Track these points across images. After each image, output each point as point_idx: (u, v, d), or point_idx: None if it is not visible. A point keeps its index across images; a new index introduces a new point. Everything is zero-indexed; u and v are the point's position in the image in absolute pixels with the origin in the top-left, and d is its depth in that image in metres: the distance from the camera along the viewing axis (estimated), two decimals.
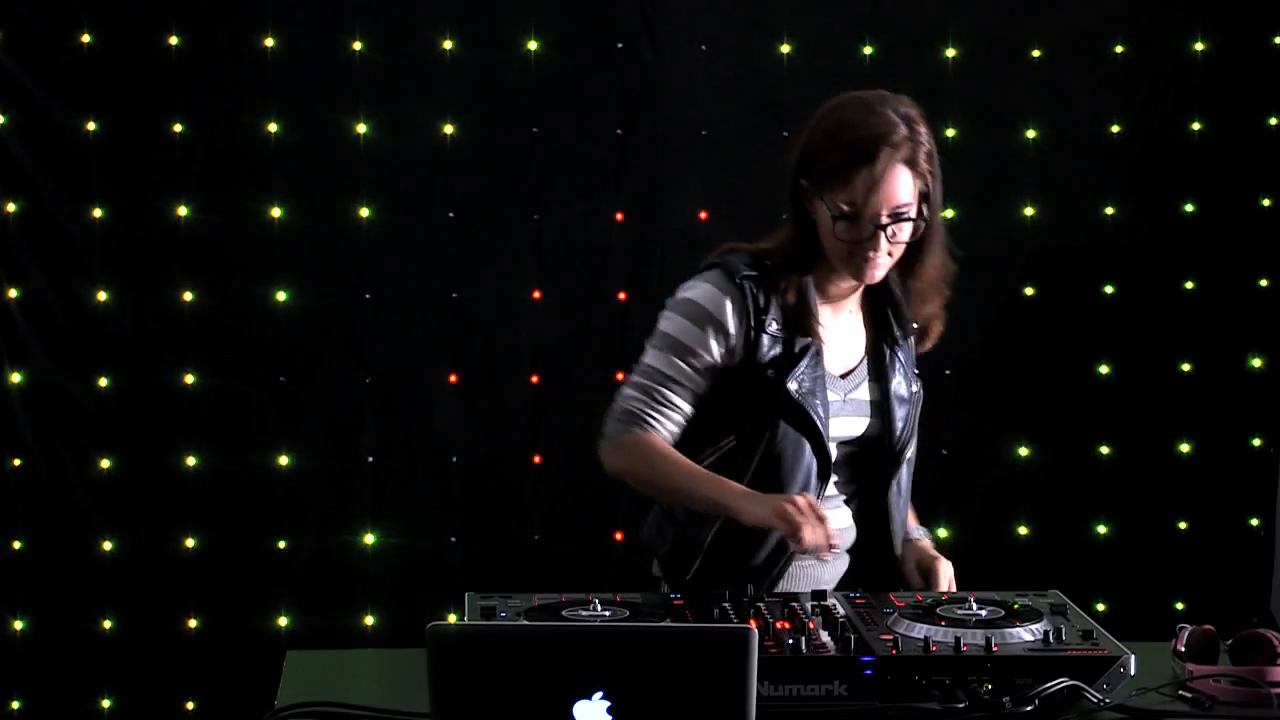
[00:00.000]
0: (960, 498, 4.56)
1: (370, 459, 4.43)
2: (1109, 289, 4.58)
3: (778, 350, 2.87)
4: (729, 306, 2.86)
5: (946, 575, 2.91)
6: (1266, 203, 4.58)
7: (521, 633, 2.07)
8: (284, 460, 4.41)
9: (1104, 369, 4.58)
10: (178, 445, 4.38)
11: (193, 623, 4.41)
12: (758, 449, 2.87)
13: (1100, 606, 4.47)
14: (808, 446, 2.86)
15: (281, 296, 4.37)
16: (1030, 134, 4.50)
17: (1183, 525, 4.62)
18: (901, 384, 2.96)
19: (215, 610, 4.42)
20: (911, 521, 3.04)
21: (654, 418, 2.90)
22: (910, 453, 2.99)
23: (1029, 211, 4.51)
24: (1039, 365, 4.58)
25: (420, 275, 4.42)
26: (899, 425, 2.94)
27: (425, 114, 4.38)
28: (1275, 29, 4.52)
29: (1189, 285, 4.57)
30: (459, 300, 4.42)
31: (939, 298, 2.95)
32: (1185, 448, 4.60)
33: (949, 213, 4.43)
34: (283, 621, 4.41)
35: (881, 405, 2.94)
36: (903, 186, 2.77)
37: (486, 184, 4.42)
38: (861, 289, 2.93)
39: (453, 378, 4.43)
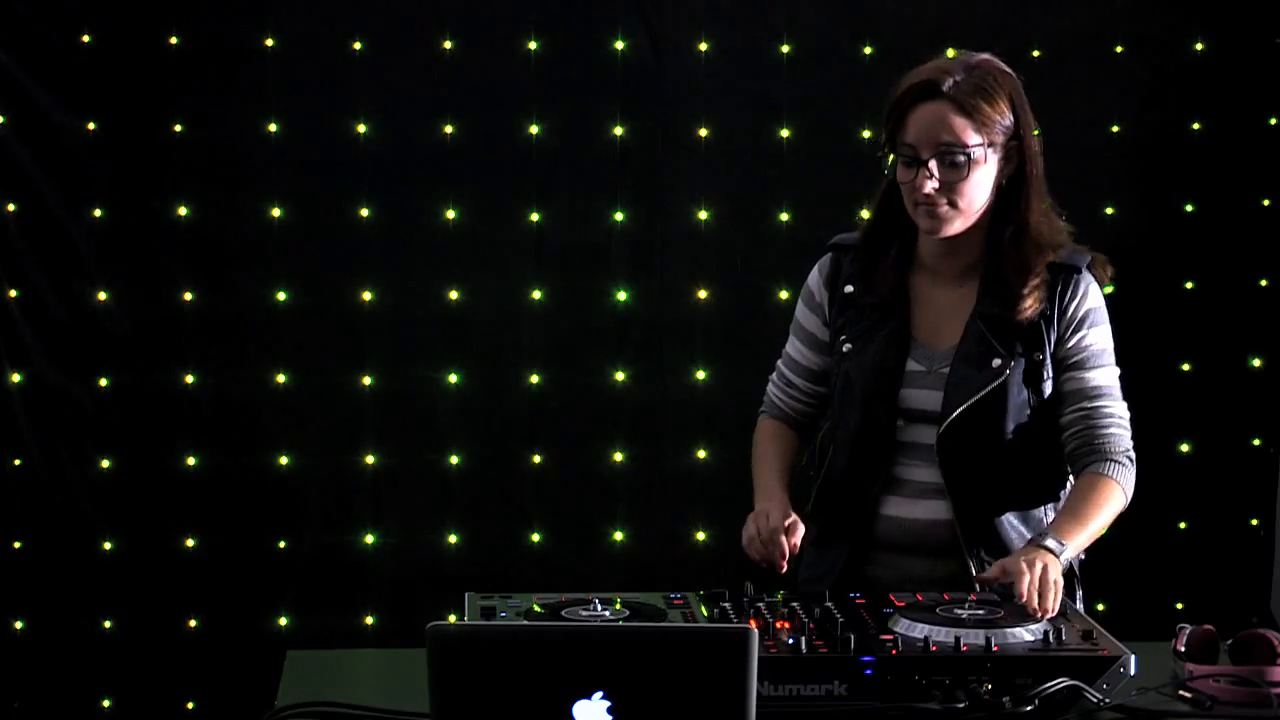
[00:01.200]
0: None
1: (370, 459, 4.43)
2: (1109, 289, 4.57)
3: (850, 316, 2.92)
4: (818, 274, 2.99)
5: (1030, 578, 2.59)
6: (1267, 203, 4.58)
7: (521, 633, 2.07)
8: (284, 460, 4.41)
9: None
10: (178, 445, 4.38)
11: (193, 623, 4.41)
12: (835, 427, 2.94)
13: (1100, 606, 4.47)
14: (869, 419, 2.86)
15: (281, 296, 4.37)
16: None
17: (1183, 525, 4.62)
18: (979, 358, 2.85)
19: (215, 610, 4.42)
20: (1055, 530, 2.76)
21: (780, 399, 3.04)
22: (1002, 432, 2.84)
23: None
24: None
25: (420, 275, 4.42)
26: (951, 398, 2.83)
27: (425, 114, 4.38)
28: (1275, 29, 4.53)
29: (1189, 285, 4.57)
30: (459, 300, 4.42)
31: (1039, 258, 2.88)
32: (1185, 448, 4.60)
33: None
34: (283, 621, 4.41)
35: (951, 378, 2.85)
36: (948, 125, 2.79)
37: (486, 184, 4.42)
38: (971, 260, 2.89)
39: (453, 378, 4.43)
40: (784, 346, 3.05)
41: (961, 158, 2.80)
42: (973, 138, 2.80)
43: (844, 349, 2.91)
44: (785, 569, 2.78)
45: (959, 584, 2.77)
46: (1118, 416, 2.93)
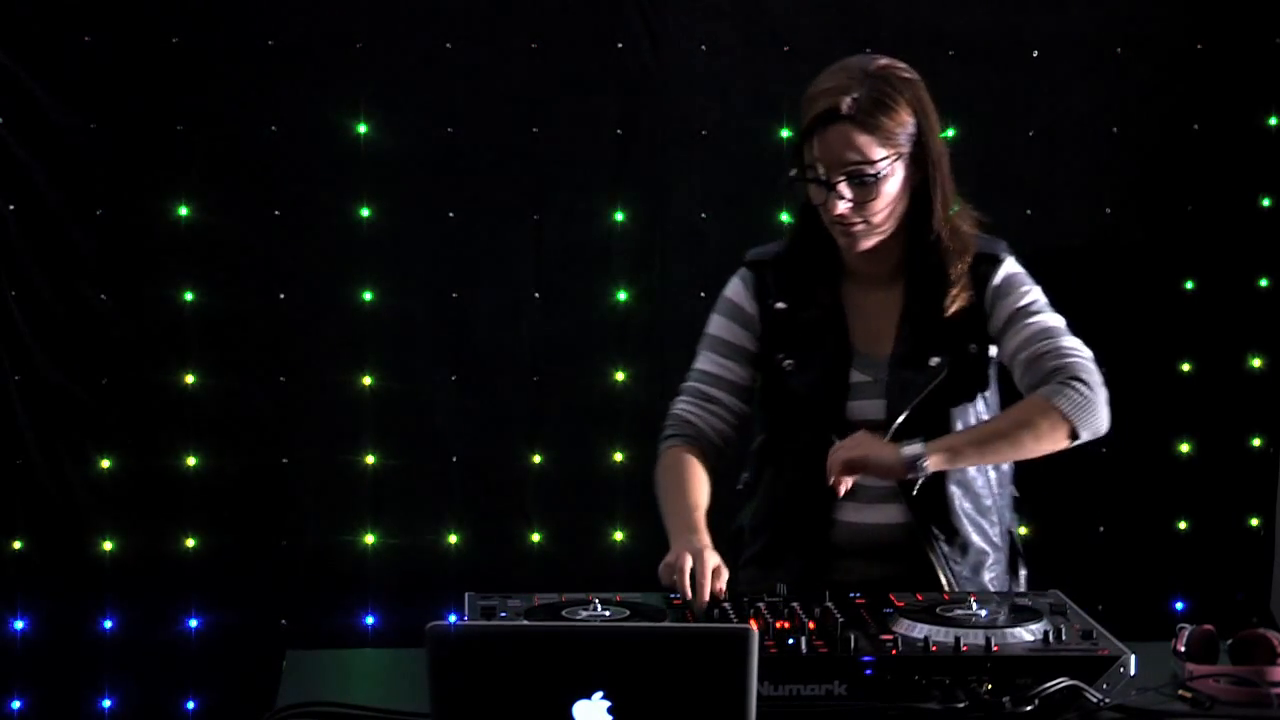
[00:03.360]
0: None
1: (370, 459, 4.43)
2: (1109, 289, 4.58)
3: (786, 330, 2.90)
4: (743, 289, 2.96)
5: (848, 443, 2.75)
6: (1266, 202, 4.58)
7: (521, 633, 2.07)
8: (284, 460, 4.41)
9: (1104, 369, 4.57)
10: (178, 445, 4.38)
11: (193, 623, 4.41)
12: (773, 442, 2.92)
13: (1100, 606, 4.47)
14: (816, 431, 2.85)
15: (281, 296, 4.37)
16: (1030, 134, 4.50)
17: (1183, 525, 4.63)
18: (917, 361, 2.87)
19: (215, 610, 4.42)
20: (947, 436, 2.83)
21: (697, 417, 2.95)
22: (953, 426, 2.86)
23: (1030, 211, 4.51)
24: None
25: (420, 275, 4.42)
26: (895, 402, 2.85)
27: (425, 114, 4.38)
28: (1275, 29, 4.53)
29: (1189, 285, 4.57)
30: (459, 300, 4.42)
31: (957, 254, 2.88)
32: (1185, 448, 4.60)
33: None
34: (283, 621, 4.41)
35: (889, 383, 2.88)
36: (853, 146, 2.79)
37: (486, 184, 4.42)
38: (894, 266, 2.90)
39: (453, 378, 4.43)
40: (696, 366, 2.97)
41: (870, 176, 2.80)
42: (878, 153, 2.80)
43: (785, 366, 2.89)
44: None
45: (920, 584, 2.80)
46: (1071, 348, 2.85)
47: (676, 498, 2.87)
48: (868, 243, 2.85)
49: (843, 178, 2.80)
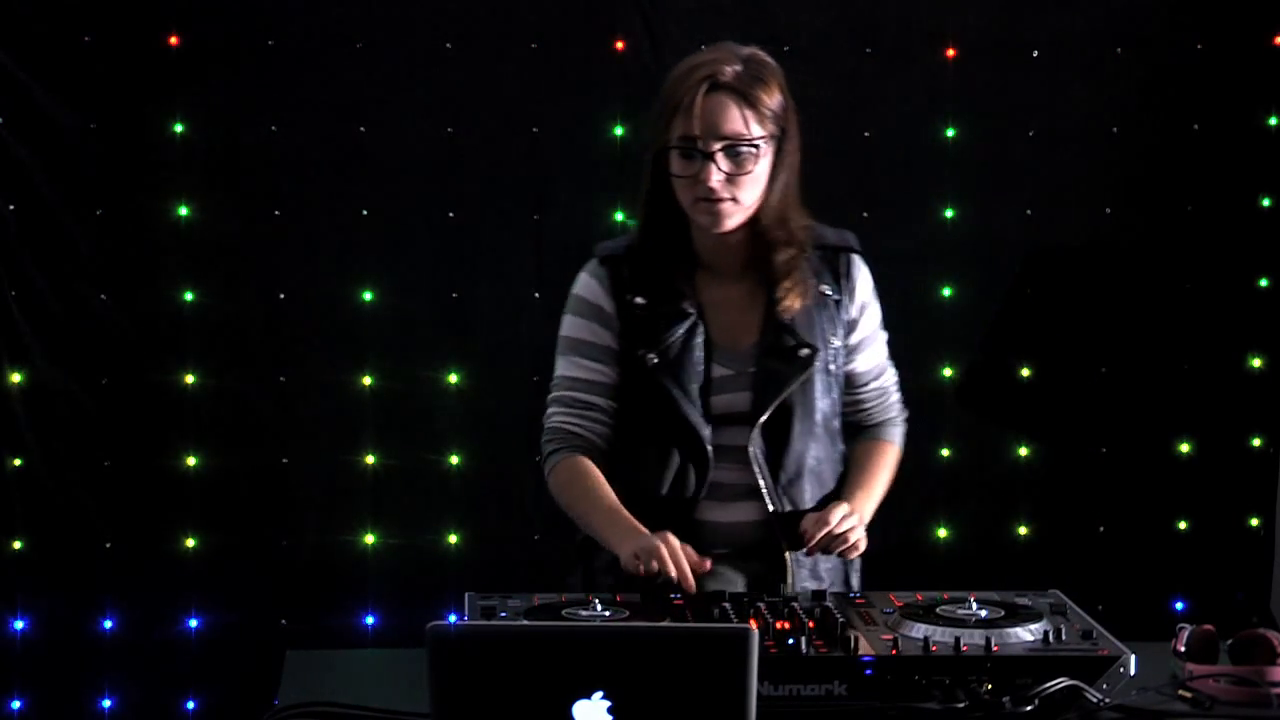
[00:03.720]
0: (960, 498, 4.56)
1: (370, 459, 4.43)
2: (1109, 289, 4.58)
3: (646, 325, 2.85)
4: (597, 286, 2.89)
5: (828, 519, 2.77)
6: (1266, 203, 4.58)
7: (521, 633, 2.07)
8: (284, 460, 4.41)
9: (1104, 369, 4.58)
10: (178, 445, 4.38)
11: (193, 623, 4.41)
12: (640, 437, 2.86)
13: (1100, 606, 4.47)
14: (680, 426, 2.82)
15: (281, 296, 4.37)
16: (1030, 134, 4.50)
17: (1183, 525, 4.62)
18: (782, 352, 2.88)
19: (215, 610, 4.42)
20: (853, 491, 2.90)
21: (578, 425, 2.91)
22: (810, 422, 2.89)
23: (1030, 211, 4.51)
24: (1039, 365, 4.58)
25: (420, 275, 4.42)
26: (762, 394, 2.86)
27: (425, 114, 4.37)
28: (1275, 29, 4.52)
29: (1188, 285, 4.57)
30: (459, 300, 4.42)
31: (788, 249, 2.88)
32: (1185, 448, 4.60)
33: (948, 213, 4.49)
34: (283, 621, 4.41)
35: (754, 375, 2.88)
36: (734, 116, 2.78)
37: (486, 184, 4.41)
38: (745, 257, 2.88)
39: (453, 378, 4.43)
40: (561, 373, 2.95)
41: (746, 150, 2.79)
42: (755, 129, 2.80)
43: (652, 362, 2.84)
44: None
45: (772, 584, 2.82)
46: (895, 381, 3.06)
47: (598, 502, 2.84)
48: (730, 223, 2.82)
49: (720, 148, 2.77)
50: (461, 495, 4.45)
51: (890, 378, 3.06)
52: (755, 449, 2.87)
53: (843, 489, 2.94)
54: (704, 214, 2.81)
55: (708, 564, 2.73)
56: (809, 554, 2.79)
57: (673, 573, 2.64)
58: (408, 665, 2.57)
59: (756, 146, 2.79)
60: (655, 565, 2.65)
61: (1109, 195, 4.54)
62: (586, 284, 2.92)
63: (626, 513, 2.81)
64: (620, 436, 2.93)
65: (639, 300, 2.86)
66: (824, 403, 2.91)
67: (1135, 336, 4.58)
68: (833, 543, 2.77)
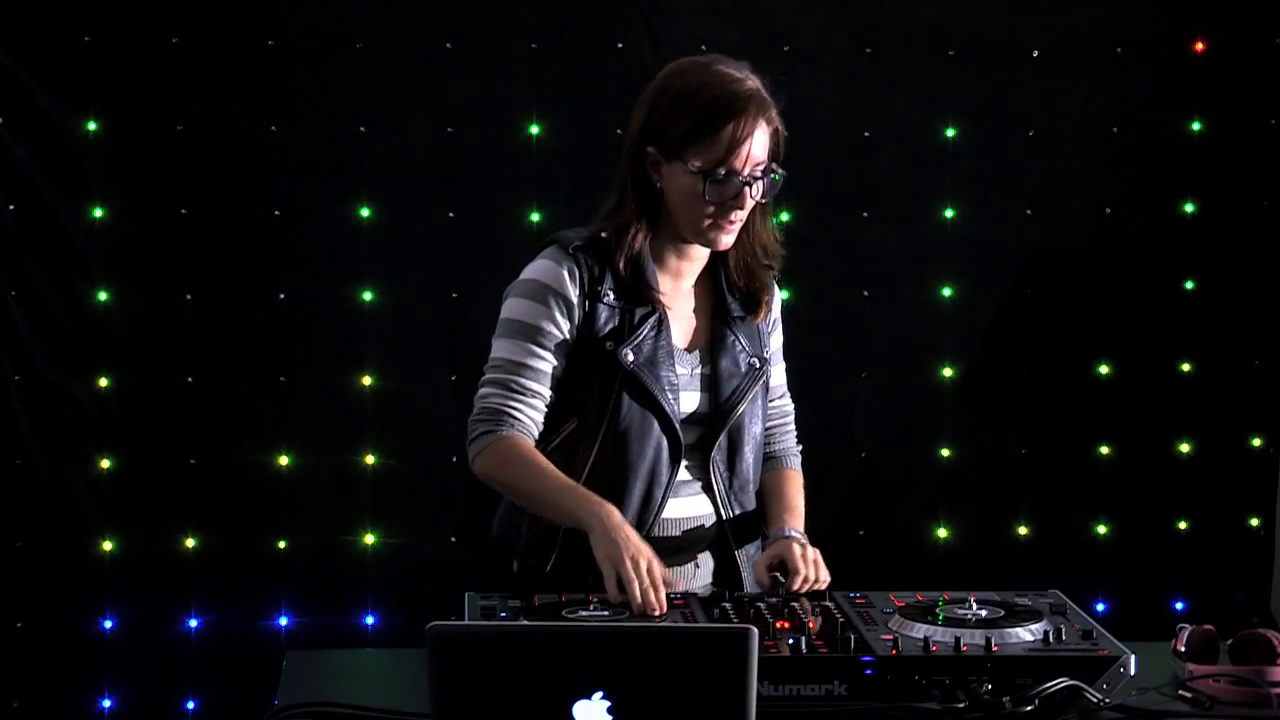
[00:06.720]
0: (960, 498, 4.56)
1: (370, 459, 4.43)
2: (1109, 289, 4.58)
3: (615, 321, 2.82)
4: (566, 277, 2.82)
5: (807, 558, 2.75)
6: (1267, 203, 4.58)
7: (521, 633, 2.07)
8: (284, 460, 4.41)
9: (1104, 369, 4.58)
10: (178, 445, 4.38)
11: (193, 623, 4.41)
12: (600, 431, 2.81)
13: (1100, 606, 4.47)
14: (655, 423, 2.81)
15: (281, 296, 4.37)
16: (1030, 134, 4.50)
17: (1183, 525, 4.63)
18: (737, 360, 2.88)
19: (215, 610, 4.42)
20: (791, 520, 2.92)
21: (516, 409, 2.83)
22: (753, 431, 2.90)
23: (1030, 211, 4.51)
24: (1039, 365, 4.58)
25: (420, 275, 4.42)
26: (723, 399, 2.86)
27: (425, 113, 4.38)
28: (1275, 29, 4.53)
29: (1189, 285, 4.57)
30: (459, 300, 4.42)
31: (767, 269, 2.90)
32: (1185, 448, 4.60)
33: (948, 213, 4.49)
34: (283, 621, 4.41)
35: (712, 379, 2.87)
36: (762, 143, 2.77)
37: (486, 184, 4.42)
38: (703, 263, 2.88)
39: (453, 378, 4.43)
40: (505, 355, 2.88)
41: (770, 176, 2.79)
42: (770, 153, 2.80)
43: (628, 359, 2.79)
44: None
45: (723, 581, 2.86)
46: (793, 410, 3.08)
47: (548, 477, 2.77)
48: (729, 242, 2.82)
49: (758, 176, 2.77)
50: (461, 495, 4.45)
51: (789, 403, 3.08)
52: (719, 455, 2.88)
53: (770, 515, 2.95)
54: (719, 234, 2.80)
55: (678, 584, 2.79)
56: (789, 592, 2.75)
57: (653, 610, 2.59)
58: (408, 665, 2.57)
59: (775, 173, 2.79)
60: (635, 592, 2.61)
61: (1109, 195, 4.54)
62: (552, 272, 2.83)
63: (581, 488, 2.77)
64: (556, 428, 2.87)
65: (610, 295, 2.83)
66: (762, 412, 2.95)
67: (1135, 337, 4.58)
68: (819, 581, 2.76)
